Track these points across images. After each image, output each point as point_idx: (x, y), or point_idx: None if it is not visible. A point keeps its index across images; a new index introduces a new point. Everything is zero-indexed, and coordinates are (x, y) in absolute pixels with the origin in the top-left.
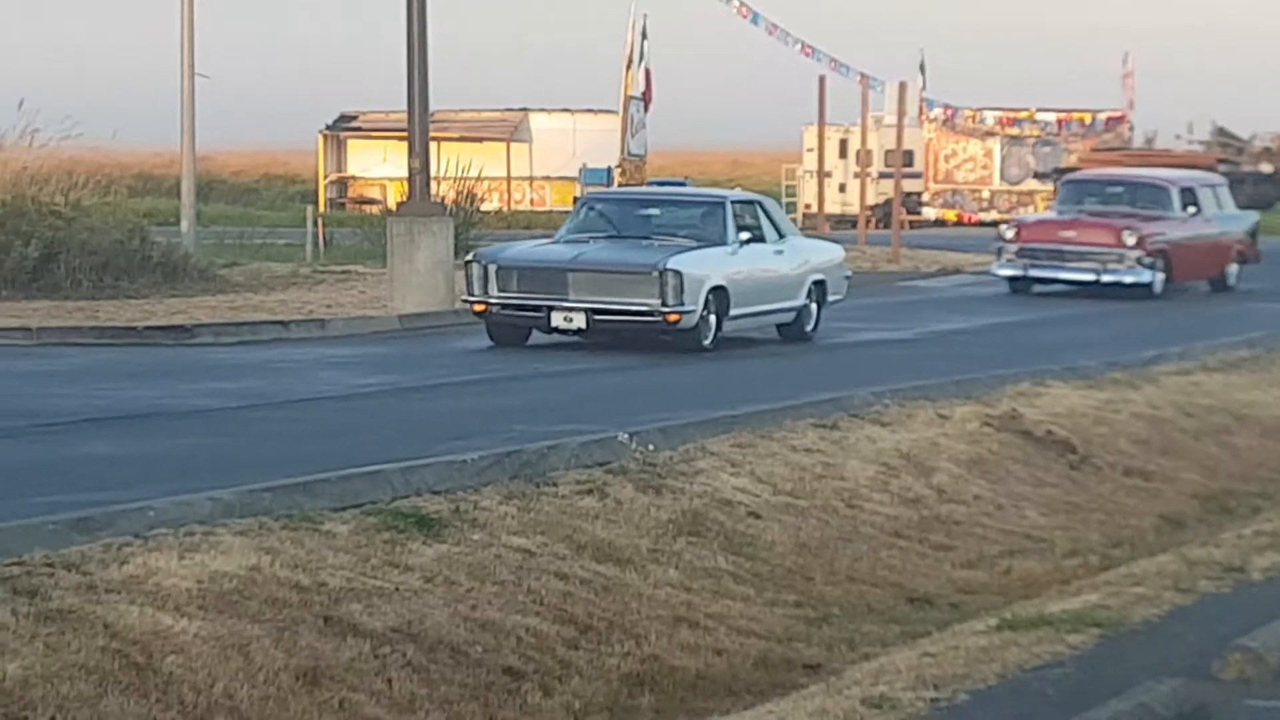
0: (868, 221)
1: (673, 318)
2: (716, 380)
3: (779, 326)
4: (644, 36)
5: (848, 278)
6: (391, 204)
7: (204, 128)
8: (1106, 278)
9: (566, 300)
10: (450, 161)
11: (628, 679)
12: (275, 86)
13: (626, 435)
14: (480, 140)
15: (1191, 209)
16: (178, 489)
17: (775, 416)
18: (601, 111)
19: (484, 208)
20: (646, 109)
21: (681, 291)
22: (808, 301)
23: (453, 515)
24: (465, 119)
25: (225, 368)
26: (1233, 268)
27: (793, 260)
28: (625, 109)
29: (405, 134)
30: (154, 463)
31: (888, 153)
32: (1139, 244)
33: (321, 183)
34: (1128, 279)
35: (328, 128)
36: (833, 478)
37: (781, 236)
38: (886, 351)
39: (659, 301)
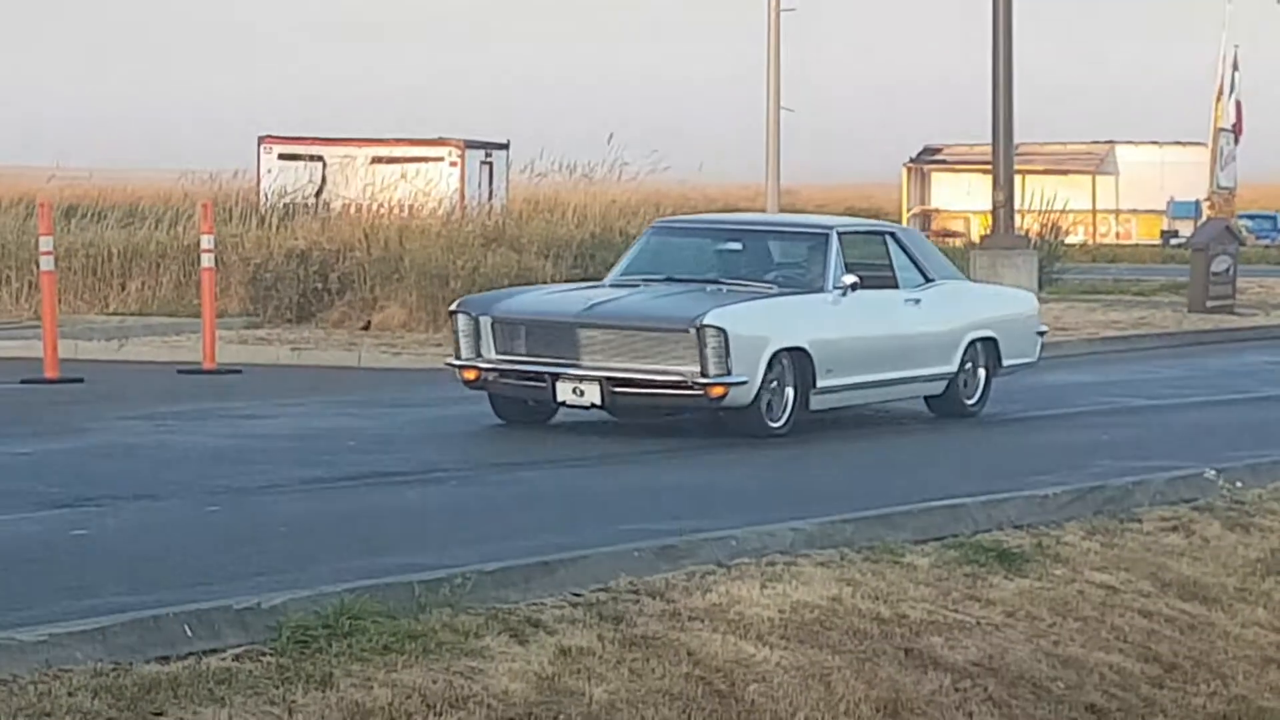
0: None
1: (716, 391)
2: None
3: (927, 400)
4: (1235, 68)
5: (1041, 334)
6: (975, 236)
7: (788, 161)
8: None
9: (577, 366)
10: (1034, 194)
11: (1214, 719)
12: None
13: (1214, 472)
14: (1065, 173)
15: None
16: (758, 519)
17: None
18: (1190, 144)
19: (1068, 240)
20: (1237, 141)
21: (727, 356)
22: (964, 367)
23: (1035, 550)
24: (1050, 151)
25: None
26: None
27: (938, 312)
28: (1215, 141)
29: (989, 166)
30: (734, 494)
31: None
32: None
33: (905, 215)
34: None
35: (911, 160)
36: None
37: (928, 280)
38: None
39: (697, 369)
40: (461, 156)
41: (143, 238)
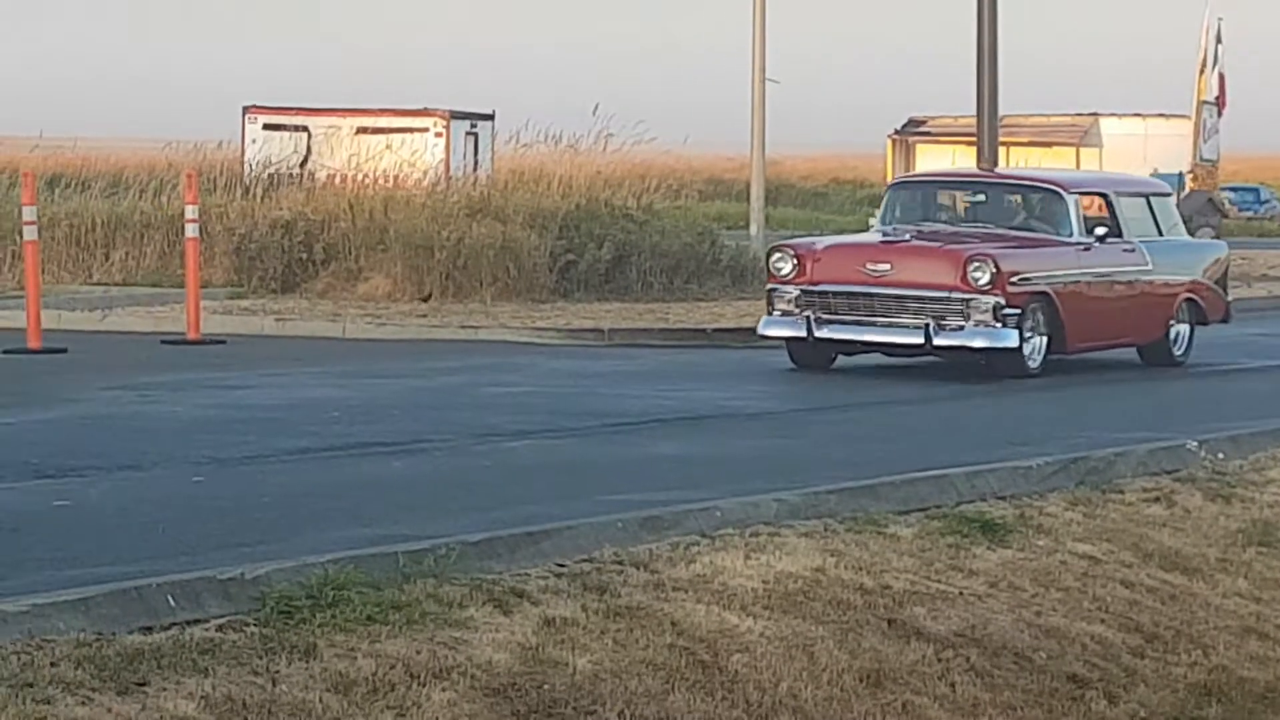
0: None
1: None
2: None
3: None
4: (1218, 40)
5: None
6: None
7: (774, 132)
8: (943, 339)
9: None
10: (1019, 165)
11: (1195, 689)
12: (844, 91)
13: (1195, 443)
14: (1049, 145)
15: (1102, 230)
16: (742, 490)
17: None
18: (1174, 116)
19: None
20: (1220, 114)
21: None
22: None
23: (1017, 521)
24: (1034, 123)
25: (787, 371)
26: (1179, 328)
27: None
28: (1198, 114)
29: (974, 139)
30: (718, 463)
31: None
32: (995, 283)
33: None
34: (976, 341)
35: (896, 132)
36: None
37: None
38: None
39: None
40: (447, 127)
41: (127, 208)
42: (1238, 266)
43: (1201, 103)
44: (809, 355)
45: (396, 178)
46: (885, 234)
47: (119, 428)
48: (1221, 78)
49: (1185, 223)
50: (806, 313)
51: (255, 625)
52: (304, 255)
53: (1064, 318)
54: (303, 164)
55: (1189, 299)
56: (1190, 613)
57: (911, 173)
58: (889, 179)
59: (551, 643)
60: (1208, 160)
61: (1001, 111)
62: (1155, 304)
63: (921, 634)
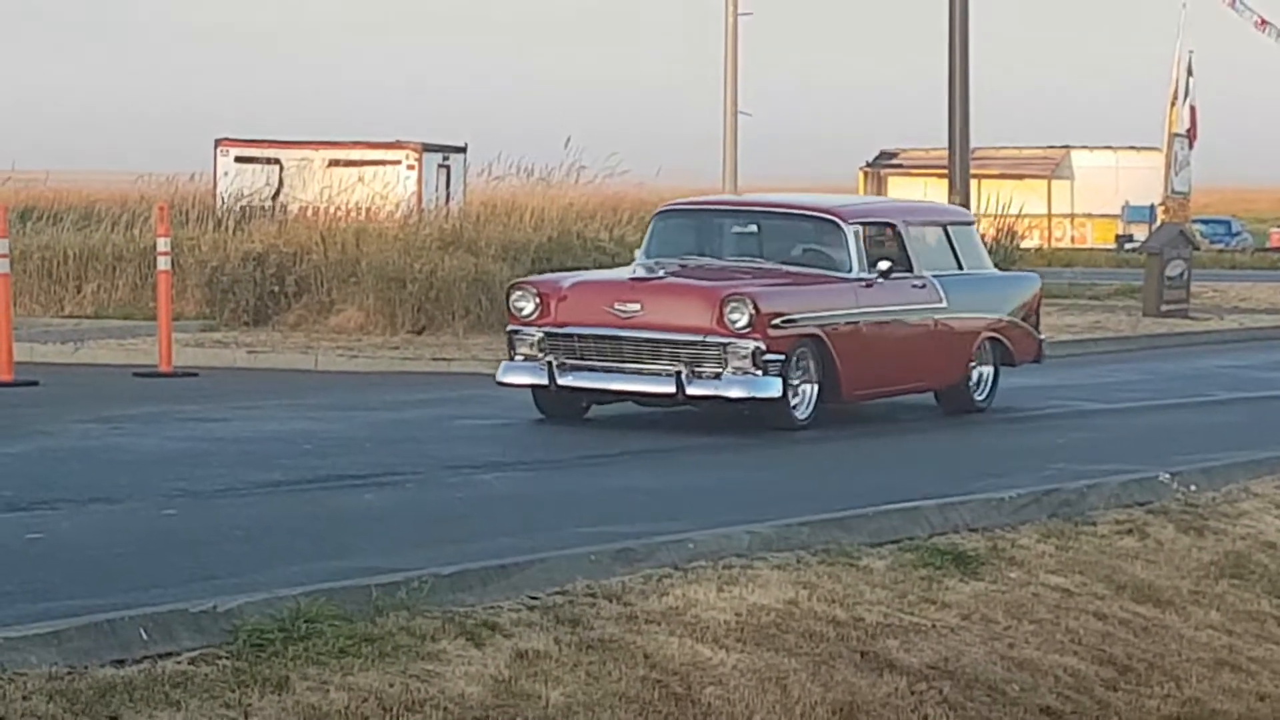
0: None
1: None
2: (1262, 421)
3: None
4: (1190, 73)
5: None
6: None
7: (745, 164)
8: (696, 389)
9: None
10: (990, 198)
11: None
12: (816, 123)
13: (1168, 475)
14: (1021, 177)
15: (886, 264)
16: (716, 521)
17: None
18: (1145, 149)
19: (1024, 245)
20: (1191, 146)
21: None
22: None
23: (990, 553)
24: (1006, 156)
25: None
26: (981, 370)
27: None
28: (1169, 146)
29: (945, 171)
30: (691, 495)
31: None
32: (754, 326)
33: None
34: (733, 391)
35: (868, 164)
36: None
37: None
38: None
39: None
40: (419, 160)
41: (99, 240)
42: (1209, 299)
43: (1173, 135)
44: (555, 405)
45: (369, 210)
46: (646, 269)
47: (91, 460)
48: (1193, 110)
49: (1156, 255)
50: (549, 358)
51: (227, 658)
52: (276, 288)
53: (839, 363)
54: (275, 196)
55: (992, 338)
56: (1163, 645)
57: (678, 200)
58: None
59: (524, 675)
60: (1179, 193)
61: (973, 144)
62: (952, 345)
63: (894, 666)
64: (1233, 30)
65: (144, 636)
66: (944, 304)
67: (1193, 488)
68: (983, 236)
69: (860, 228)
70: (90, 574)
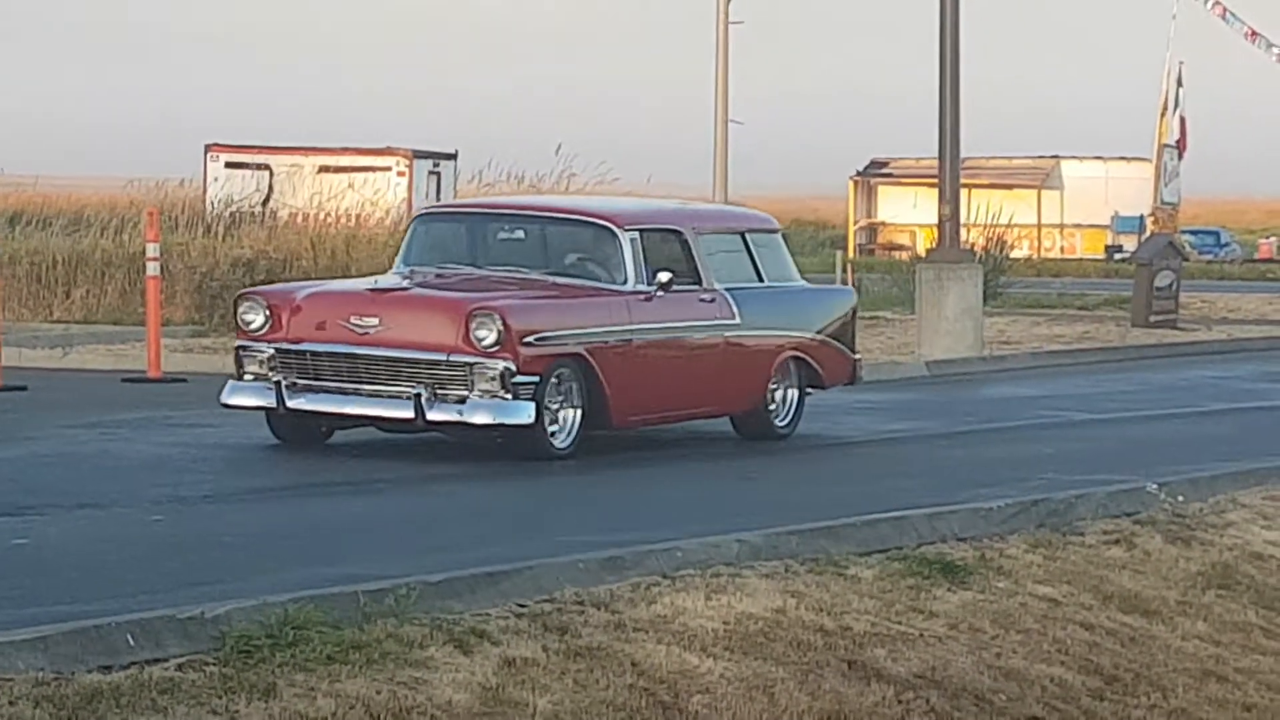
0: None
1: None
2: (1249, 432)
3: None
4: (1179, 84)
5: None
6: (921, 250)
7: (736, 173)
8: (438, 414)
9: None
10: (980, 208)
11: None
12: (807, 132)
13: (1155, 486)
14: (1011, 187)
15: (667, 276)
16: (704, 530)
17: None
18: (1135, 159)
19: (1014, 255)
20: (1181, 157)
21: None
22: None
23: (978, 562)
24: (996, 166)
25: None
26: (784, 394)
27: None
28: (1159, 157)
29: (936, 180)
30: (680, 503)
31: None
32: (504, 343)
33: (851, 228)
34: (478, 416)
35: (858, 173)
36: None
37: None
38: None
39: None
40: (409, 166)
41: (88, 245)
42: (1198, 310)
43: (1163, 146)
44: (290, 429)
45: (359, 216)
46: (398, 278)
47: (79, 466)
48: (1183, 121)
49: (1145, 266)
50: (278, 377)
51: (215, 664)
52: None
53: (606, 386)
54: (265, 202)
55: (796, 358)
56: (1150, 655)
57: (439, 203)
58: (851, 220)
59: (512, 683)
60: (1169, 203)
61: (963, 153)
62: (746, 365)
63: (882, 675)
64: (1223, 42)
65: (131, 642)
66: (736, 320)
67: (1180, 498)
68: (971, 247)
69: (638, 234)
70: (77, 580)
